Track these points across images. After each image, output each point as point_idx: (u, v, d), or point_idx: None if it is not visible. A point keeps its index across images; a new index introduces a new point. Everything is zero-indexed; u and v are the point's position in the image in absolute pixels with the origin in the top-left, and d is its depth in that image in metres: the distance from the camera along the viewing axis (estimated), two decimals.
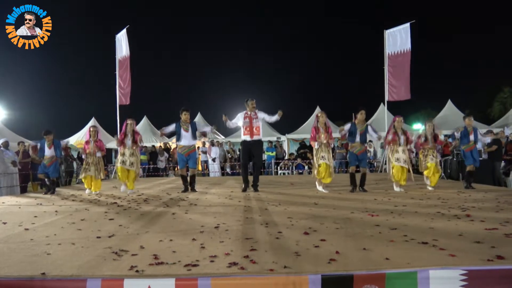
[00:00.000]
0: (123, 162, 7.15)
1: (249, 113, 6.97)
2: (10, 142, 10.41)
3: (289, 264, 2.24)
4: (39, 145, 7.65)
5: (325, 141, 6.74)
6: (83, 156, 7.73)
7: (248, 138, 6.96)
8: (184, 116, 7.14)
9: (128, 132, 7.20)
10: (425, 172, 7.11)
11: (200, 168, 15.51)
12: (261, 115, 7.05)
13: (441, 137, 7.32)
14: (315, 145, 6.82)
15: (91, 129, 7.68)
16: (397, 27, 12.99)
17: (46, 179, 7.61)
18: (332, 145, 7.03)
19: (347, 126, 6.91)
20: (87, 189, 7.43)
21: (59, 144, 7.67)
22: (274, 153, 15.24)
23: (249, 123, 6.92)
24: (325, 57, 65.49)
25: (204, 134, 7.51)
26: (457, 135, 7.21)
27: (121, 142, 7.19)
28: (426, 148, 7.05)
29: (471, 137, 7.05)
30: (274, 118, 7.02)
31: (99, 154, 7.51)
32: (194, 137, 7.21)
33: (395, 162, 6.74)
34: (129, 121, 7.29)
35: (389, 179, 7.02)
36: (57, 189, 7.88)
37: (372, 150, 15.45)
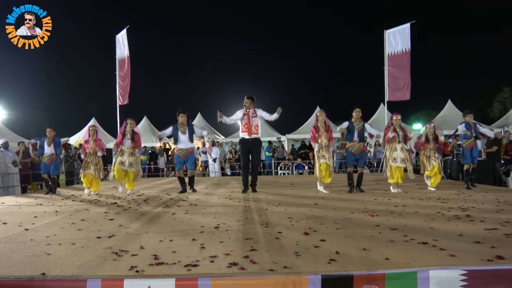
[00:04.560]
0: (122, 163, 7.12)
1: (247, 110, 6.89)
2: (10, 142, 10.43)
3: (289, 264, 2.24)
4: (38, 142, 7.63)
5: (325, 140, 6.71)
6: (82, 156, 7.72)
7: (246, 136, 6.89)
8: (181, 118, 7.05)
9: (127, 132, 7.19)
10: (427, 172, 7.05)
11: (201, 169, 15.52)
12: (261, 113, 6.96)
13: (441, 138, 7.28)
14: (316, 147, 6.79)
15: (91, 128, 7.66)
16: (397, 27, 12.99)
17: (48, 179, 7.61)
18: (333, 148, 6.96)
19: (345, 125, 6.86)
20: (86, 188, 7.42)
21: (59, 142, 7.66)
22: (270, 154, 15.30)
23: (247, 121, 6.84)
24: (325, 57, 65.55)
25: (201, 138, 7.48)
26: (461, 128, 7.11)
27: (118, 145, 7.16)
28: (427, 149, 7.02)
29: (473, 132, 7.03)
30: (274, 116, 6.91)
31: (99, 154, 7.50)
32: (191, 139, 7.15)
33: (392, 163, 6.70)
34: (128, 121, 7.26)
35: (386, 179, 7.00)
36: (58, 189, 7.87)
37: (372, 150, 15.46)
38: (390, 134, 6.70)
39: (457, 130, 7.34)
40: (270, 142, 15.83)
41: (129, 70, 13.77)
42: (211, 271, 2.14)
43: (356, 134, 6.74)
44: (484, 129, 7.48)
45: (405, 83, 12.64)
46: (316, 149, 6.80)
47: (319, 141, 6.75)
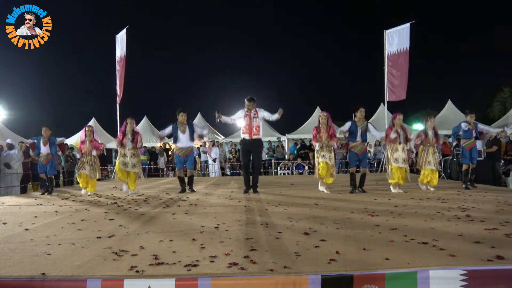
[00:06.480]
0: (125, 164, 7.11)
1: (248, 111, 6.80)
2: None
3: (289, 264, 2.24)
4: (36, 142, 7.63)
5: (325, 141, 6.70)
6: (78, 156, 7.71)
7: (247, 137, 6.82)
8: (181, 117, 7.02)
9: (128, 131, 7.18)
10: (420, 178, 7.04)
11: (199, 167, 15.53)
12: (262, 113, 6.86)
13: (440, 141, 7.28)
14: (316, 146, 6.79)
15: (87, 128, 7.62)
16: (397, 27, 13.02)
17: (46, 179, 7.60)
18: (335, 146, 6.93)
19: (347, 125, 6.84)
20: (83, 188, 7.41)
21: (54, 141, 7.62)
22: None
23: (249, 122, 6.77)
24: (325, 57, 65.52)
25: (201, 137, 7.45)
26: (464, 126, 7.05)
27: (121, 143, 7.15)
28: (427, 145, 7.01)
29: (473, 132, 7.01)
30: (275, 116, 6.83)
31: (94, 153, 7.48)
32: (192, 138, 7.13)
33: (394, 163, 6.70)
34: (128, 120, 7.25)
35: (387, 179, 6.98)
36: (57, 189, 7.86)
37: (372, 150, 15.46)
38: (393, 135, 6.68)
39: (460, 130, 7.23)
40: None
41: (124, 70, 13.78)
42: (211, 271, 2.14)
43: (359, 134, 6.70)
44: (485, 127, 7.48)
45: (404, 83, 12.69)
46: (316, 148, 6.78)
47: (320, 140, 6.73)
